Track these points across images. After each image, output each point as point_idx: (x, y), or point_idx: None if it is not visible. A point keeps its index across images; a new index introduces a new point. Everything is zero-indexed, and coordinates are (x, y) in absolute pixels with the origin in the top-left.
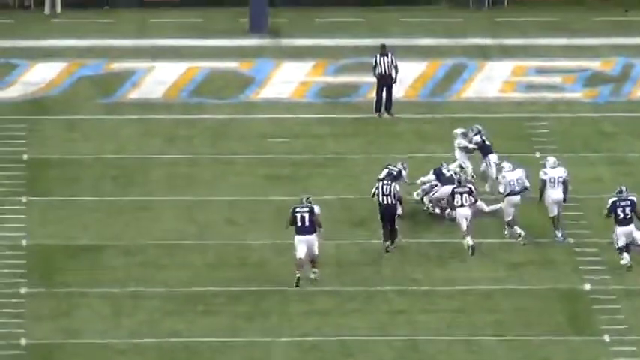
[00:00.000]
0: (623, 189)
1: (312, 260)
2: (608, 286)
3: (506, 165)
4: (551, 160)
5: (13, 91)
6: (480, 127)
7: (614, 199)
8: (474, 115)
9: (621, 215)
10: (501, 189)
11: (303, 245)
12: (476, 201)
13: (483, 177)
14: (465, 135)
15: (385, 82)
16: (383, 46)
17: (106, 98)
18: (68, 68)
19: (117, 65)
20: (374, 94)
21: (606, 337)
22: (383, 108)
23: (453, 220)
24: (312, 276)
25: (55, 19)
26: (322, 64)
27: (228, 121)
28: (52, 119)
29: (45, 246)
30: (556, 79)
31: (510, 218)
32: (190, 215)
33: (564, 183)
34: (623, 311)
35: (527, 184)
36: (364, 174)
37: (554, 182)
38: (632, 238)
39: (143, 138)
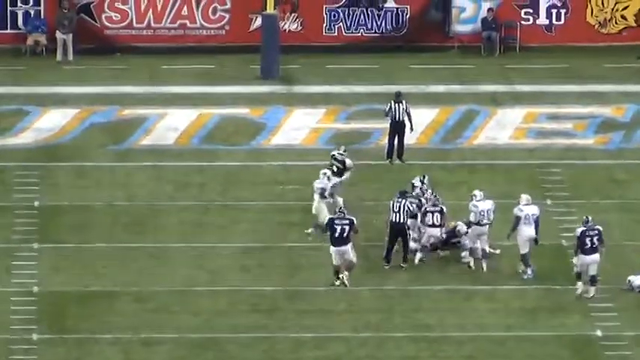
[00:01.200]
0: (589, 219)
1: (347, 267)
2: (620, 332)
3: (477, 193)
4: (524, 197)
5: (25, 138)
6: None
7: (583, 228)
8: (486, 162)
9: (589, 244)
10: (472, 217)
11: (337, 255)
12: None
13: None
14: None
15: (398, 128)
16: (398, 93)
17: (118, 145)
18: (80, 115)
19: (128, 112)
20: (386, 140)
21: None
22: (395, 155)
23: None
24: (344, 279)
25: (66, 66)
26: (334, 111)
27: (239, 167)
28: (63, 166)
29: (56, 293)
30: (568, 126)
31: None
32: (202, 262)
33: (536, 221)
34: (635, 358)
35: (492, 218)
36: (376, 220)
37: (528, 219)
38: (629, 281)
39: (155, 185)
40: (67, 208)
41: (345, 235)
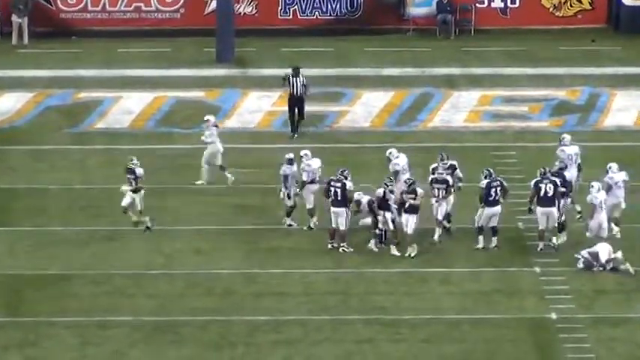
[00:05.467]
0: (492, 171)
1: (340, 235)
2: (575, 315)
3: (308, 153)
4: (394, 151)
5: None
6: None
7: (488, 180)
8: (441, 145)
9: (493, 196)
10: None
11: (335, 216)
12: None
13: None
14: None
15: (296, 102)
16: (295, 68)
17: (73, 128)
18: (35, 98)
19: (84, 95)
20: (341, 123)
21: None
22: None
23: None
24: (340, 250)
25: (22, 50)
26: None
27: (195, 150)
28: (19, 149)
29: (12, 276)
30: (522, 109)
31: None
32: (158, 245)
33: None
34: (590, 340)
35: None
36: None
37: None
38: (596, 255)
39: (110, 168)
40: (22, 191)
41: (338, 197)
